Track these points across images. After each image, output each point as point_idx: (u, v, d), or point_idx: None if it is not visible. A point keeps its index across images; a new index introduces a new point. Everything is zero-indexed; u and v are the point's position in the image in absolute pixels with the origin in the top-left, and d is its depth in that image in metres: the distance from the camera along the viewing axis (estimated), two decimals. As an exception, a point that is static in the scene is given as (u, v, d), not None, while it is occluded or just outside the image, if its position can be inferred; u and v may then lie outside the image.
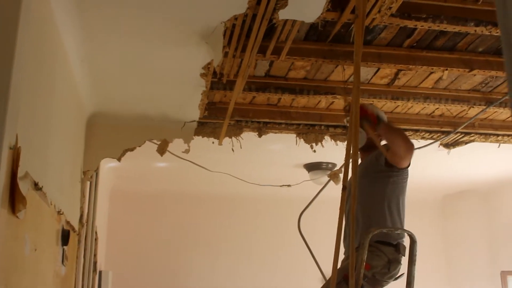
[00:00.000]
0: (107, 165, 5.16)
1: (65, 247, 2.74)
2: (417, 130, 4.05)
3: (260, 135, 3.95)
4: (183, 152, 4.00)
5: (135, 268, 6.71)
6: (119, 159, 3.89)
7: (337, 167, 5.25)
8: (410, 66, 3.01)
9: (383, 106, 3.74)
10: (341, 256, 2.92)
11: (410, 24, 2.55)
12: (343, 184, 1.99)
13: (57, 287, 2.63)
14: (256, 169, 5.47)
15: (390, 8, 2.35)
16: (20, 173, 1.68)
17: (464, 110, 3.81)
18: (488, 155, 5.13)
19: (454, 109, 3.80)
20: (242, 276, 7.00)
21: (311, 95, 3.44)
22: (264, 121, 3.89)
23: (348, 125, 3.00)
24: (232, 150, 3.98)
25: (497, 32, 2.61)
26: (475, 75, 3.22)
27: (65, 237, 2.69)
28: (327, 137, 4.05)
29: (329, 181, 4.45)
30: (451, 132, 4.00)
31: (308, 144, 4.04)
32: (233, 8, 2.36)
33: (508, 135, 4.16)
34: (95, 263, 4.08)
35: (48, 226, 2.34)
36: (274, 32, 2.62)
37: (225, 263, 7.02)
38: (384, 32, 2.76)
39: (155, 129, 3.88)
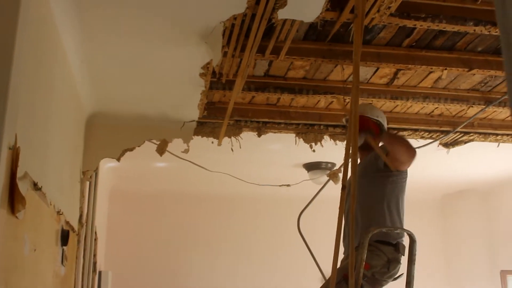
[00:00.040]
0: (107, 165, 5.16)
1: (64, 247, 2.74)
2: (416, 130, 4.05)
3: (259, 135, 3.95)
4: (182, 152, 4.00)
5: (134, 268, 6.71)
6: (118, 159, 3.89)
7: (337, 167, 5.26)
8: (409, 66, 3.01)
9: (382, 106, 3.74)
10: (341, 255, 2.92)
11: (409, 23, 2.55)
12: (342, 184, 1.99)
13: (56, 287, 2.63)
14: (255, 169, 5.47)
15: (389, 7, 2.36)
16: (19, 173, 1.68)
17: (463, 109, 3.81)
18: (487, 155, 5.13)
19: (453, 108, 3.80)
20: (242, 276, 7.00)
21: (310, 94, 3.44)
22: (263, 121, 3.89)
23: (347, 124, 3.01)
24: (232, 150, 3.98)
25: (496, 32, 2.61)
26: (474, 74, 3.22)
27: (64, 237, 2.69)
28: (326, 137, 4.05)
29: (328, 180, 4.45)
30: (451, 132, 4.01)
31: (308, 143, 4.04)
32: (232, 8, 2.36)
33: (507, 135, 4.16)
34: (94, 263, 4.08)
35: (48, 226, 2.34)
36: (273, 31, 2.62)
37: (225, 263, 7.02)
38: (383, 31, 2.77)
39: (155, 129, 3.88)
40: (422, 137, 4.12)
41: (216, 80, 3.25)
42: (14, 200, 1.64)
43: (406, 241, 2.88)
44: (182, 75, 3.13)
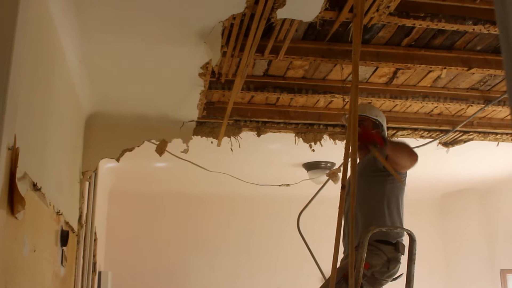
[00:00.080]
0: (106, 166, 5.16)
1: (64, 247, 2.74)
2: (415, 129, 4.05)
3: (258, 135, 3.95)
4: (182, 152, 4.00)
5: (134, 268, 6.71)
6: (117, 160, 3.89)
7: (336, 166, 5.26)
8: (409, 65, 3.01)
9: (382, 105, 3.74)
10: (340, 255, 2.92)
11: (408, 23, 2.55)
12: (342, 183, 1.99)
13: None
14: (255, 169, 5.47)
15: (388, 6, 2.35)
16: (18, 173, 1.68)
17: (463, 108, 3.81)
18: (487, 154, 5.13)
19: (453, 107, 3.81)
20: (241, 276, 7.00)
21: (309, 94, 3.44)
22: (262, 121, 3.89)
23: (346, 124, 3.01)
24: (231, 149, 3.98)
25: (496, 31, 2.61)
26: (473, 73, 3.23)
27: (64, 238, 2.68)
28: (325, 136, 4.05)
29: (328, 180, 4.45)
30: (450, 131, 4.01)
31: (307, 143, 4.04)
32: (231, 8, 2.36)
33: (507, 134, 4.16)
34: (94, 263, 4.08)
35: (47, 226, 2.34)
36: (272, 31, 2.62)
37: (224, 263, 7.02)
38: (382, 31, 2.76)
39: (154, 129, 3.88)
40: (421, 136, 4.12)
41: (215, 80, 3.25)
42: (13, 200, 1.64)
43: (405, 240, 2.88)
44: (181, 75, 3.13)
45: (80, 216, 3.58)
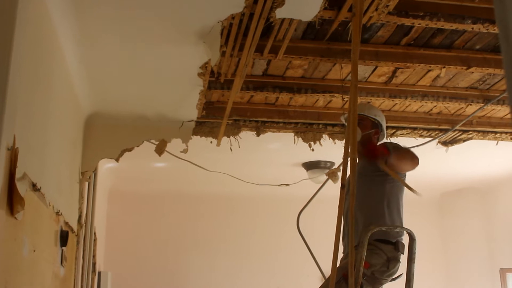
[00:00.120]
0: (105, 166, 5.16)
1: (63, 248, 2.74)
2: (415, 128, 4.06)
3: (258, 134, 3.95)
4: (181, 152, 4.00)
5: (134, 268, 6.71)
6: (117, 160, 3.89)
7: (336, 166, 5.26)
8: (408, 64, 3.01)
9: (381, 105, 3.74)
10: (340, 254, 2.92)
11: (407, 22, 2.55)
12: (341, 183, 1.99)
13: (56, 288, 2.63)
14: (254, 169, 5.47)
15: (387, 6, 2.35)
16: (18, 174, 1.68)
17: (462, 107, 3.81)
18: (486, 153, 5.13)
19: (452, 106, 3.81)
20: (241, 276, 7.00)
21: (309, 93, 3.44)
22: (262, 120, 3.89)
23: (346, 123, 3.01)
24: (231, 149, 3.98)
25: (495, 30, 2.61)
26: (472, 72, 3.23)
27: (63, 238, 2.68)
28: (325, 136, 4.05)
29: (327, 179, 4.45)
30: (449, 130, 4.01)
31: (306, 142, 4.04)
32: (230, 7, 2.36)
33: (506, 133, 4.17)
34: (94, 264, 4.08)
35: (47, 227, 2.34)
36: (271, 31, 2.62)
37: (224, 263, 7.01)
38: (382, 30, 2.76)
39: (153, 129, 3.88)
40: (420, 136, 4.12)
41: (215, 79, 3.25)
42: (13, 201, 1.64)
43: (405, 239, 2.88)
44: (180, 75, 3.13)
45: (80, 216, 3.58)
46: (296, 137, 4.03)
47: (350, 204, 1.92)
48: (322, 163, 5.40)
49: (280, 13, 2.39)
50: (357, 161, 2.92)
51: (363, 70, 3.27)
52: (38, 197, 2.07)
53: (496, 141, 4.28)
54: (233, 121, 3.84)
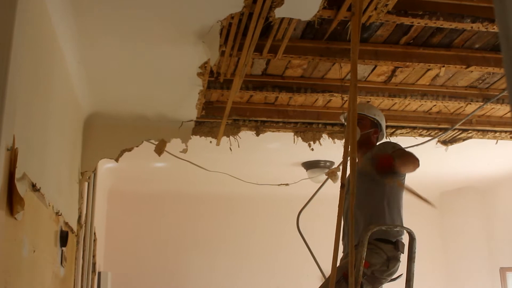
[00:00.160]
0: (105, 166, 5.16)
1: (63, 248, 2.74)
2: (414, 127, 4.06)
3: (257, 134, 3.95)
4: (181, 152, 4.00)
5: (134, 268, 6.71)
6: (116, 160, 3.89)
7: (335, 165, 5.26)
8: (407, 63, 3.01)
9: (380, 104, 3.74)
10: (340, 254, 2.92)
11: (406, 21, 2.55)
12: (341, 182, 1.99)
13: (56, 288, 2.62)
14: (254, 168, 5.47)
15: (386, 5, 2.35)
16: (17, 174, 1.67)
17: (462, 106, 3.81)
18: (486, 152, 5.13)
19: (452, 106, 3.81)
20: (241, 276, 7.00)
21: (308, 93, 3.44)
22: (261, 120, 3.89)
23: (345, 123, 3.01)
24: (230, 149, 3.98)
25: (494, 29, 2.62)
26: (472, 71, 3.23)
27: (63, 238, 2.68)
28: (324, 135, 4.05)
29: (327, 179, 4.45)
30: (449, 129, 4.01)
31: (306, 142, 4.04)
32: (230, 7, 2.36)
33: (506, 132, 4.17)
34: (94, 264, 4.08)
35: (47, 227, 2.34)
36: (270, 30, 2.62)
37: (224, 263, 7.01)
38: (381, 29, 2.76)
39: (153, 129, 3.88)
40: (420, 135, 4.12)
41: (214, 79, 3.25)
42: (12, 201, 1.64)
43: (405, 239, 2.88)
44: (179, 74, 3.13)
45: (80, 217, 3.58)
46: (295, 136, 4.03)
47: (350, 203, 1.92)
48: (322, 162, 5.40)
49: (279, 12, 2.39)
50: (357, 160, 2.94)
51: (363, 70, 3.27)
52: (38, 198, 2.07)
53: (495, 140, 4.28)
54: (233, 121, 3.84)
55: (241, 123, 3.87)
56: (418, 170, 2.88)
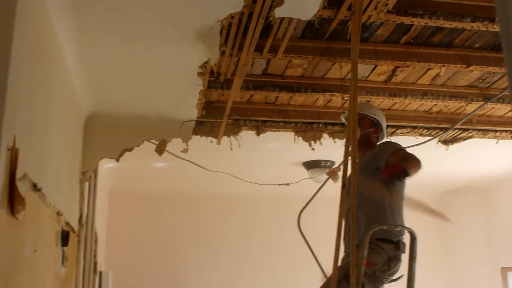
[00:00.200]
0: (106, 166, 5.16)
1: (65, 248, 2.74)
2: (415, 127, 4.05)
3: (258, 134, 3.95)
4: (181, 151, 4.00)
5: (135, 268, 6.71)
6: (117, 160, 3.89)
7: (336, 165, 5.25)
8: (407, 63, 3.01)
9: (381, 104, 3.74)
10: (341, 254, 2.92)
11: (406, 20, 2.55)
12: (342, 182, 1.99)
13: (57, 288, 2.63)
14: (254, 168, 5.47)
15: (386, 4, 2.35)
16: (18, 174, 1.68)
17: (462, 106, 3.81)
18: (486, 152, 5.13)
19: (452, 105, 3.81)
20: (241, 276, 7.00)
21: (308, 93, 3.44)
22: (262, 120, 3.89)
23: (346, 122, 3.01)
24: (231, 149, 3.98)
25: (494, 28, 2.62)
26: (472, 71, 3.22)
27: (64, 238, 2.69)
28: (325, 135, 4.05)
29: (328, 179, 4.45)
30: (449, 129, 4.01)
31: (307, 142, 4.04)
32: (229, 7, 2.36)
33: (506, 131, 4.16)
34: (95, 263, 4.08)
35: (48, 227, 2.34)
36: (270, 30, 2.62)
37: (225, 263, 7.02)
38: (381, 29, 2.76)
39: (153, 129, 3.88)
40: (421, 134, 4.12)
41: (214, 79, 3.25)
42: (13, 201, 1.64)
43: (406, 239, 2.88)
44: (180, 74, 3.13)
45: (81, 216, 3.58)
46: (296, 136, 4.04)
47: (351, 203, 1.92)
48: (323, 162, 5.40)
49: (279, 12, 2.39)
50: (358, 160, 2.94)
51: (363, 69, 3.27)
52: (39, 197, 2.07)
53: (496, 140, 4.28)
54: (233, 121, 3.84)
55: (242, 123, 3.87)
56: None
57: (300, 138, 4.03)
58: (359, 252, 2.57)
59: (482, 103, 3.63)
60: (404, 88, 3.53)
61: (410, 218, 3.07)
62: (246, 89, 3.37)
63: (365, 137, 3.07)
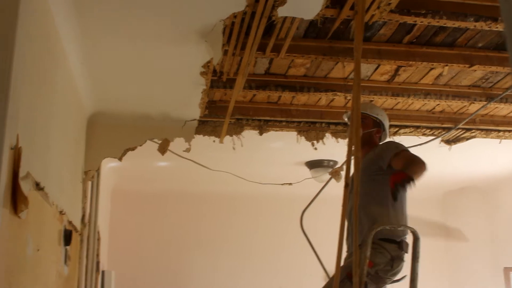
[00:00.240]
0: (108, 165, 5.16)
1: (67, 247, 2.74)
2: (418, 127, 4.05)
3: (261, 133, 3.95)
4: (184, 151, 4.00)
5: (137, 267, 6.72)
6: (120, 159, 3.89)
7: (339, 165, 5.25)
8: (410, 62, 3.01)
9: (384, 103, 3.74)
10: (344, 254, 2.92)
11: (409, 20, 2.55)
12: (345, 181, 1.99)
13: (60, 287, 2.63)
14: (257, 168, 5.47)
15: (389, 4, 2.35)
16: (21, 173, 1.68)
17: (465, 106, 3.81)
18: (489, 152, 5.12)
19: (455, 105, 3.80)
20: (244, 276, 7.00)
21: (311, 92, 3.44)
22: (264, 119, 3.89)
23: (348, 122, 3.01)
24: (233, 148, 3.98)
25: (497, 27, 2.61)
26: (475, 70, 3.22)
27: (67, 237, 2.69)
28: (328, 135, 4.05)
29: (330, 179, 4.45)
30: (452, 128, 4.00)
31: (309, 141, 4.04)
32: (232, 6, 2.36)
33: (509, 131, 4.15)
34: (97, 263, 4.09)
35: (50, 226, 2.34)
36: (273, 29, 2.62)
37: (227, 263, 7.02)
38: (384, 28, 2.76)
39: (156, 128, 3.88)
40: (423, 134, 4.11)
41: (217, 78, 3.25)
42: (16, 200, 1.65)
43: (409, 239, 2.88)
44: (182, 74, 3.13)
45: (83, 216, 3.58)
46: (298, 136, 4.03)
47: (354, 203, 1.92)
48: (325, 162, 5.39)
49: (282, 11, 2.39)
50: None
51: (366, 69, 3.26)
52: (42, 196, 2.08)
53: (499, 140, 4.27)
54: (236, 120, 3.84)
55: (244, 122, 3.87)
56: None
57: (303, 137, 4.03)
58: (362, 252, 2.57)
59: (485, 102, 3.62)
60: (407, 88, 3.52)
61: (411, 217, 3.07)
62: (248, 88, 3.37)
63: (367, 137, 3.07)
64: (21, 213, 1.70)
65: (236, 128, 3.87)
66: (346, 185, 1.99)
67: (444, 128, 4.05)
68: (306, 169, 5.57)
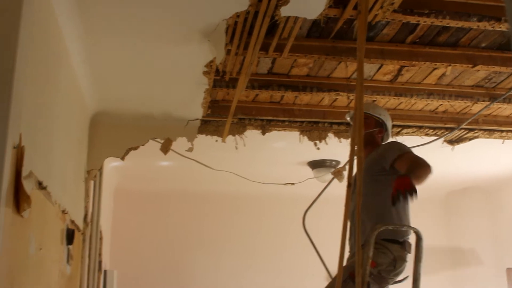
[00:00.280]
0: (111, 164, 5.17)
1: (70, 246, 2.75)
2: (420, 127, 4.04)
3: (263, 133, 3.95)
4: (186, 150, 4.00)
5: (140, 267, 6.72)
6: (122, 158, 3.89)
7: (341, 165, 5.25)
8: (413, 62, 3.00)
9: (386, 103, 3.73)
10: (346, 254, 2.91)
11: (412, 19, 2.55)
12: (348, 181, 1.99)
13: (62, 286, 2.63)
14: (259, 167, 5.47)
15: (392, 3, 2.35)
16: (24, 172, 1.68)
17: (468, 106, 3.80)
18: (492, 152, 5.11)
19: (458, 105, 3.79)
20: (246, 275, 7.00)
21: (314, 92, 3.44)
22: (267, 119, 3.89)
23: (351, 122, 3.00)
24: (236, 148, 3.98)
25: (500, 27, 2.60)
26: (478, 70, 3.21)
27: (69, 236, 2.69)
28: (330, 134, 4.05)
29: (333, 178, 4.45)
30: (455, 129, 3.99)
31: (312, 141, 4.03)
32: (235, 6, 2.36)
33: (512, 131, 4.15)
34: (100, 262, 4.09)
35: (53, 225, 2.34)
36: (276, 29, 2.61)
37: (229, 262, 7.02)
38: (387, 28, 2.76)
39: (159, 128, 3.88)
40: (426, 134, 4.11)
41: (220, 78, 3.25)
42: (19, 199, 1.65)
43: (412, 239, 2.87)
44: (185, 73, 3.13)
45: (86, 215, 3.59)
46: (301, 135, 4.03)
47: (356, 203, 1.92)
48: (328, 162, 5.39)
49: (285, 11, 2.39)
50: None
51: (369, 69, 3.26)
52: (44, 196, 2.08)
53: (502, 140, 4.26)
54: (238, 120, 3.84)
55: (247, 122, 3.87)
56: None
57: (305, 137, 4.02)
58: (365, 252, 2.56)
59: (488, 103, 3.62)
60: (410, 88, 3.52)
61: (415, 218, 3.06)
62: (251, 88, 3.37)
63: (369, 137, 3.06)
64: (23, 212, 1.70)
65: (238, 128, 3.87)
66: (349, 185, 1.99)
67: (447, 128, 4.04)
68: (309, 169, 5.56)
